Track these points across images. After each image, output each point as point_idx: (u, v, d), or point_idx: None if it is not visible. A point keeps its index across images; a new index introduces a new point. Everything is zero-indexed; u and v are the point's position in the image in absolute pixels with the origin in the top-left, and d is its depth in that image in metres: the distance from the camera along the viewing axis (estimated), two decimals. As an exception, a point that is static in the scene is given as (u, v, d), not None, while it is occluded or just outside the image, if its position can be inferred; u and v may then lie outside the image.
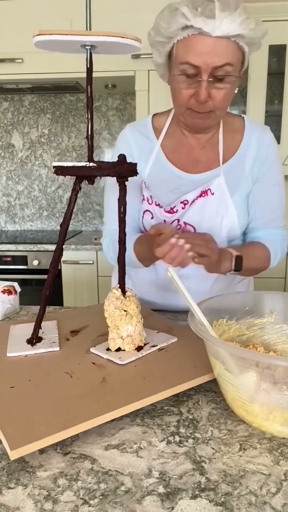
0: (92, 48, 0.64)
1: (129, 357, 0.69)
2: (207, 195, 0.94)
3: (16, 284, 1.10)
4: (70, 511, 0.44)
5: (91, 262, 2.24)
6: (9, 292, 1.05)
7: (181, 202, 0.95)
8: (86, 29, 0.64)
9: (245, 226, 1.00)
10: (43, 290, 0.74)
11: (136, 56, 2.11)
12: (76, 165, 0.66)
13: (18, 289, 1.10)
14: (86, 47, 0.64)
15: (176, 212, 0.95)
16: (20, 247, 2.26)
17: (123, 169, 0.68)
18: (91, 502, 0.45)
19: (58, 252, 0.72)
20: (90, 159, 0.67)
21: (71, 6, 2.15)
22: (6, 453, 0.53)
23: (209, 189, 0.93)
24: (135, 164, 0.70)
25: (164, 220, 0.96)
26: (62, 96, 2.67)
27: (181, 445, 0.54)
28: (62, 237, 0.71)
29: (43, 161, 2.76)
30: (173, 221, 0.95)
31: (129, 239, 0.89)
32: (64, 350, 0.73)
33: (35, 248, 2.25)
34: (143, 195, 0.97)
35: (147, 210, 0.97)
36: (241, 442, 0.55)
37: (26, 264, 2.28)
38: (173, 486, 0.47)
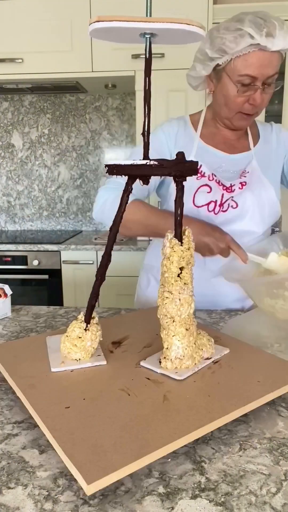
0: (152, 37, 0.58)
1: (185, 372, 0.64)
2: (245, 176, 1.07)
3: (6, 287, 1.03)
4: (70, 511, 0.44)
5: (91, 262, 2.24)
6: (-3, 295, 0.98)
7: (240, 183, 1.06)
8: (146, 16, 0.57)
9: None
10: (88, 299, 0.68)
11: (136, 56, 2.11)
12: (134, 164, 0.59)
13: (9, 291, 1.03)
14: (146, 36, 0.57)
15: (233, 191, 1.06)
16: (20, 247, 2.26)
17: (185, 168, 0.62)
18: (91, 502, 0.45)
19: (106, 258, 0.65)
20: (146, 157, 0.61)
21: (71, 6, 2.15)
22: (6, 453, 0.53)
23: (246, 170, 1.07)
24: (196, 163, 0.64)
25: (222, 195, 1.05)
26: (62, 96, 2.67)
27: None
28: (111, 242, 0.64)
29: (43, 161, 2.76)
30: (227, 199, 1.05)
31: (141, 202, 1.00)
32: (112, 364, 0.68)
33: (35, 248, 2.26)
34: (202, 172, 1.06)
35: (204, 185, 1.05)
36: (241, 442, 0.55)
37: (26, 264, 2.28)
38: (173, 486, 0.47)
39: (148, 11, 0.57)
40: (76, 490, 0.46)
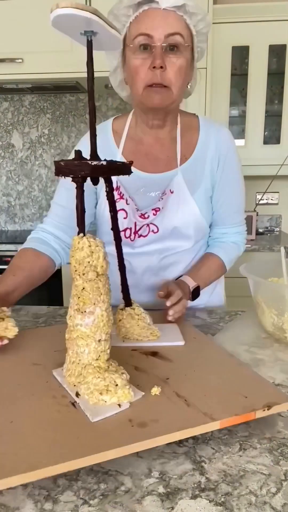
0: (92, 35, 0.61)
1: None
2: (167, 194, 0.99)
3: None
4: (70, 511, 0.44)
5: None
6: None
7: (152, 209, 0.99)
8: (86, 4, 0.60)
9: (210, 222, 1.08)
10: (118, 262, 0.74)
11: (136, 56, 2.11)
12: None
13: None
14: (87, 34, 0.61)
15: (148, 218, 1.00)
16: (20, 247, 2.26)
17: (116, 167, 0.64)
18: (91, 502, 0.45)
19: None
20: (93, 156, 0.64)
21: (71, 6, 2.15)
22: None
23: (169, 189, 0.98)
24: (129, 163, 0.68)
25: (135, 223, 1.00)
26: (62, 96, 2.67)
27: (181, 445, 0.54)
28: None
29: (43, 161, 2.76)
30: (142, 226, 1.00)
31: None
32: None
33: (35, 248, 2.25)
34: (121, 193, 0.99)
35: (121, 209, 0.98)
36: (241, 442, 0.55)
37: (26, 264, 2.27)
38: (173, 486, 0.47)
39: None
40: (76, 490, 0.46)
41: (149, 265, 1.04)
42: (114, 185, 0.97)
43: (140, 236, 1.01)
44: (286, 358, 0.78)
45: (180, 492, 0.46)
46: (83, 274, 0.58)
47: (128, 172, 0.67)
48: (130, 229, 1.00)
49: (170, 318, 0.87)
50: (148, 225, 1.00)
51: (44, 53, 2.20)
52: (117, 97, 2.66)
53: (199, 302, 1.10)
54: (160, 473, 0.49)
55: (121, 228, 0.95)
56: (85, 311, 0.58)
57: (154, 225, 1.00)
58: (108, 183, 0.69)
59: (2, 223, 2.85)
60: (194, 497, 0.45)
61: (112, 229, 0.74)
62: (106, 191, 0.70)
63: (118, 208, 0.97)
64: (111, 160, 0.63)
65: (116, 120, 1.06)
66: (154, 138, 1.01)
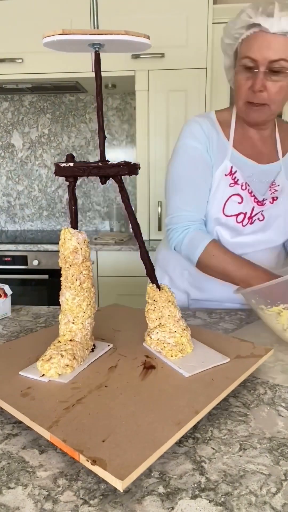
0: (99, 47, 0.63)
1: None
2: (276, 190, 1.05)
3: (6, 287, 1.03)
4: (70, 511, 0.44)
5: (91, 262, 2.24)
6: (-3, 295, 0.98)
7: (272, 198, 1.04)
8: (91, 28, 0.64)
9: None
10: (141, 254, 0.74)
11: (136, 56, 2.11)
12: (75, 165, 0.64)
13: (9, 291, 1.03)
14: (94, 47, 0.63)
15: (264, 205, 1.04)
16: (20, 247, 2.26)
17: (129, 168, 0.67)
18: (91, 502, 0.45)
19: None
20: (102, 157, 0.67)
21: (71, 6, 2.15)
22: (6, 453, 0.53)
23: (275, 182, 1.05)
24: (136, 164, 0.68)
25: (253, 208, 1.03)
26: (62, 96, 2.67)
27: (181, 445, 0.54)
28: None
29: (43, 161, 2.76)
30: (257, 213, 1.04)
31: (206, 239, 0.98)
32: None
33: (35, 248, 2.25)
34: (235, 178, 1.02)
35: (236, 194, 1.02)
36: (241, 442, 0.55)
37: (26, 264, 2.28)
38: (173, 486, 0.47)
39: (95, 23, 0.62)
40: (76, 490, 0.46)
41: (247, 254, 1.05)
42: (228, 170, 1.02)
43: (249, 223, 1.04)
44: (286, 358, 0.78)
45: (180, 492, 0.46)
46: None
47: (135, 172, 0.67)
48: (245, 214, 1.03)
49: None
50: (262, 212, 1.04)
51: (44, 53, 2.20)
52: (117, 97, 2.67)
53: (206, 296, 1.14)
54: (160, 473, 0.49)
55: (233, 213, 1.02)
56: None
57: (262, 214, 1.04)
58: (119, 182, 0.69)
59: (2, 223, 2.85)
60: (194, 497, 0.45)
61: (131, 223, 0.73)
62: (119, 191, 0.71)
63: (233, 193, 1.02)
64: (108, 161, 0.64)
65: (218, 112, 1.09)
66: (257, 134, 1.06)
